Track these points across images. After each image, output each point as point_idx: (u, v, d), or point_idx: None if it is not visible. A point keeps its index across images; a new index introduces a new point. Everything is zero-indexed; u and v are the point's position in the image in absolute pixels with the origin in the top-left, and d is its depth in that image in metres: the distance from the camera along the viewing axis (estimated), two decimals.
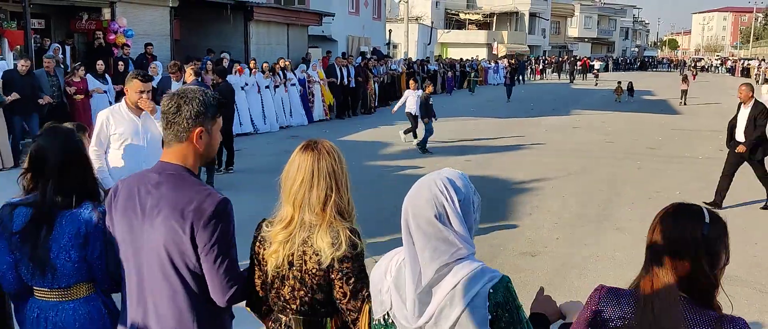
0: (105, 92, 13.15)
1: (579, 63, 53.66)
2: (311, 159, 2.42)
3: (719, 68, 75.69)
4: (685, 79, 30.33)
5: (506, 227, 8.27)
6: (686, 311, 1.86)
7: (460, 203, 2.00)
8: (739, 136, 9.34)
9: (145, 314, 2.48)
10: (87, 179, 2.82)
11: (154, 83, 7.69)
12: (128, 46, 15.37)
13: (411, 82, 16.07)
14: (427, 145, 13.98)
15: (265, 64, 17.47)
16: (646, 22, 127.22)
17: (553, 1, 68.12)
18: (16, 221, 2.69)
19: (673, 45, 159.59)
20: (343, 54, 23.82)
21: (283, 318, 2.51)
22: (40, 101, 11.38)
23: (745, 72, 58.10)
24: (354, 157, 10.52)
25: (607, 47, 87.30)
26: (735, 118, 9.55)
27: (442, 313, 1.97)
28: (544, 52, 66.73)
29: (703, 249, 1.85)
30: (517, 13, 61.87)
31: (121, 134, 5.36)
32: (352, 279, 2.40)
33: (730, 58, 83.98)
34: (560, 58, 60.37)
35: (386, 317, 2.14)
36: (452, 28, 57.45)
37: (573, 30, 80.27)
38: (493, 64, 44.20)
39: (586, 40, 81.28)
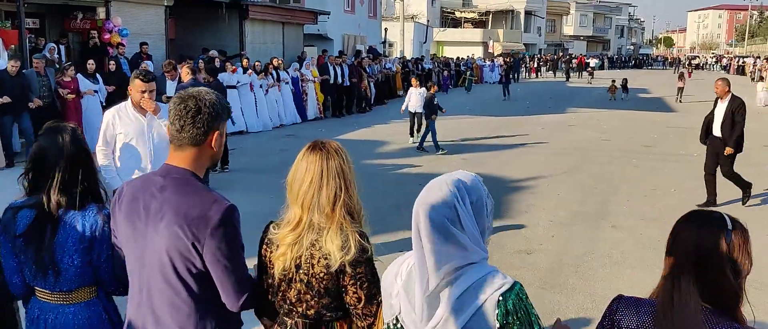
0: (96, 92, 13.04)
1: (575, 61, 53.71)
2: (320, 159, 2.40)
3: (714, 66, 75.86)
4: (681, 76, 30.47)
5: (502, 225, 8.28)
6: (709, 322, 1.81)
7: (472, 206, 1.96)
8: (716, 131, 9.32)
9: (146, 319, 2.45)
10: (90, 180, 2.78)
11: None
12: (123, 45, 15.32)
13: (413, 80, 15.91)
14: (424, 144, 13.97)
15: (257, 64, 17.44)
16: (642, 20, 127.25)
17: None
18: (19, 223, 2.66)
19: (669, 43, 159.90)
20: (340, 52, 23.82)
21: (289, 322, 2.49)
22: (30, 105, 11.28)
23: (740, 70, 58.25)
24: (350, 156, 10.54)
25: (603, 45, 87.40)
26: (712, 113, 9.54)
27: (450, 319, 1.93)
28: (540, 50, 66.80)
29: (727, 257, 1.81)
30: (512, 11, 61.92)
31: (126, 134, 5.31)
32: (366, 284, 2.38)
33: (726, 55, 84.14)
34: (556, 56, 60.43)
35: (396, 321, 2.10)
36: (448, 27, 57.46)
37: (568, 28, 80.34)
38: (489, 62, 44.23)
39: (582, 38, 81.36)
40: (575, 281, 6.40)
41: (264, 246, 2.51)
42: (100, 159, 5.27)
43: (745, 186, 9.44)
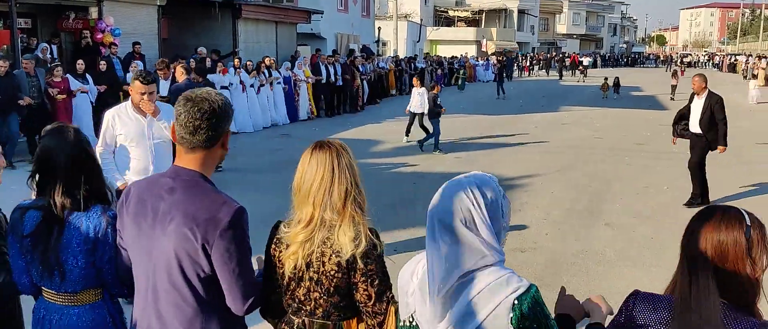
0: (87, 91, 12.95)
1: (568, 60, 53.81)
2: (330, 157, 2.42)
3: (707, 64, 76.10)
4: (674, 74, 30.61)
5: None
6: (727, 318, 1.81)
7: (487, 207, 1.94)
8: (694, 127, 9.31)
9: (151, 321, 2.43)
10: (95, 181, 2.78)
11: None
12: (116, 45, 15.26)
13: (415, 80, 15.62)
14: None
15: (248, 63, 17.40)
16: (634, 18, 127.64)
17: None
18: (27, 224, 2.67)
19: (661, 41, 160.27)
20: (333, 51, 23.80)
21: (296, 320, 2.49)
22: (20, 102, 11.21)
23: (732, 67, 58.50)
24: None
25: (596, 44, 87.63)
26: (687, 108, 9.54)
27: (464, 320, 1.91)
28: (533, 48, 66.91)
29: (745, 252, 1.81)
30: (505, 9, 62.03)
31: (126, 135, 5.26)
32: (377, 281, 2.39)
33: (718, 53, 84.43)
34: (549, 55, 60.54)
35: (411, 319, 2.10)
36: (441, 26, 57.52)
37: (561, 26, 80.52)
38: (483, 61, 44.27)
39: (575, 36, 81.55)
40: (569, 279, 6.42)
41: (273, 245, 2.50)
42: (100, 160, 5.24)
43: (698, 193, 9.28)
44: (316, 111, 20.14)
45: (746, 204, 9.12)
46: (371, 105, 23.37)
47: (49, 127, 2.85)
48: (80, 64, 13.09)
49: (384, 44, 37.82)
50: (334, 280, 2.39)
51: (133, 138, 5.27)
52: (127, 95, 5.90)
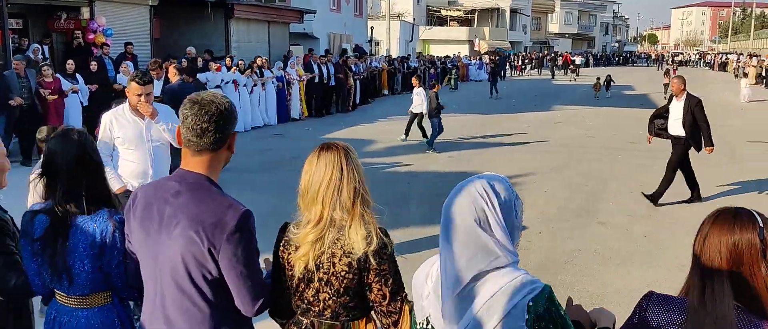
0: (78, 91, 12.84)
1: (560, 59, 53.93)
2: (338, 157, 2.44)
3: (698, 62, 76.46)
4: (667, 73, 30.76)
5: None
6: (741, 322, 1.81)
7: (501, 208, 1.94)
8: (676, 129, 9.27)
9: (160, 326, 2.43)
10: (99, 184, 2.79)
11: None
12: (108, 45, 15.19)
13: (414, 80, 15.52)
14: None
15: (240, 62, 17.36)
16: (626, 17, 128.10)
17: None
18: (37, 227, 2.70)
19: (653, 40, 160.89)
20: (326, 51, 23.76)
21: (305, 321, 2.49)
22: (11, 103, 11.13)
23: (723, 66, 58.78)
24: None
25: (588, 43, 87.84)
26: (666, 109, 9.53)
27: (478, 322, 1.90)
28: (526, 48, 67.03)
29: (760, 254, 1.81)
30: (498, 9, 62.12)
31: (124, 138, 5.18)
32: (391, 280, 2.41)
33: (709, 52, 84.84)
34: (541, 54, 60.68)
35: (427, 322, 2.09)
36: (434, 25, 57.53)
37: (554, 26, 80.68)
38: (476, 60, 44.30)
39: (567, 35, 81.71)
40: (564, 277, 6.43)
41: (282, 247, 2.50)
42: None
43: (662, 191, 9.25)
44: (308, 111, 20.03)
45: (739, 203, 9.16)
46: (364, 105, 23.34)
47: (57, 131, 2.89)
48: (70, 65, 12.97)
49: (377, 44, 37.82)
50: (345, 281, 2.40)
51: (131, 141, 5.21)
52: (118, 96, 5.84)
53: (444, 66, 36.85)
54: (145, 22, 17.64)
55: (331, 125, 18.08)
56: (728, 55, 63.53)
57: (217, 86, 15.56)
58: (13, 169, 3.00)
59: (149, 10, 17.70)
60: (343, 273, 2.39)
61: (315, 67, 20.17)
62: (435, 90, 14.38)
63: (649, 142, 10.15)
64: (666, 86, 29.17)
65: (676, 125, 9.28)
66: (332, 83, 20.78)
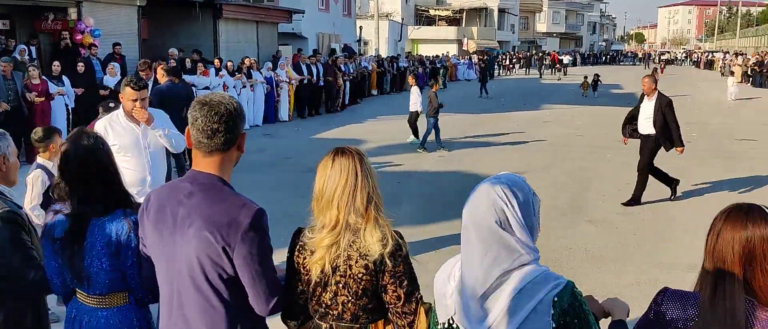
0: (65, 94, 12.69)
1: (548, 58, 54.13)
2: (352, 162, 2.47)
3: (684, 61, 76.95)
4: (654, 71, 30.94)
5: None
6: (752, 317, 1.84)
7: (520, 206, 1.98)
8: (646, 128, 9.28)
9: (179, 327, 2.44)
10: (113, 186, 2.83)
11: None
12: (96, 46, 15.10)
13: (410, 78, 15.53)
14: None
15: (229, 63, 17.27)
16: (613, 16, 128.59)
17: None
18: (57, 228, 2.74)
19: (640, 39, 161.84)
20: (314, 51, 23.73)
21: (323, 325, 2.51)
22: None
23: (709, 64, 59.19)
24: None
25: (575, 42, 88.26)
26: (637, 109, 9.54)
27: (504, 320, 1.93)
28: (513, 47, 67.24)
29: None
30: (486, 9, 62.28)
31: (120, 146, 4.91)
32: (405, 282, 2.44)
33: (696, 51, 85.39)
34: (529, 53, 60.89)
35: (451, 321, 2.11)
36: (422, 25, 57.58)
37: (541, 25, 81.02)
38: (464, 60, 44.38)
39: (555, 35, 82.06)
40: None
41: (297, 252, 2.52)
42: None
43: (639, 195, 9.28)
44: (295, 112, 19.89)
45: (729, 200, 9.23)
46: (353, 105, 23.33)
47: (72, 133, 2.94)
48: (56, 66, 12.79)
49: (366, 44, 37.81)
50: (362, 282, 2.42)
51: (128, 149, 5.01)
52: (103, 99, 5.72)
53: (433, 66, 36.88)
54: (133, 23, 17.54)
55: (321, 125, 18.06)
56: (714, 54, 64.00)
57: (206, 88, 15.47)
58: None
59: (137, 10, 17.61)
60: (360, 275, 2.41)
61: (304, 68, 20.07)
62: (434, 89, 14.35)
63: (625, 143, 10.15)
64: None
65: (646, 124, 9.27)
66: (321, 83, 20.72)
